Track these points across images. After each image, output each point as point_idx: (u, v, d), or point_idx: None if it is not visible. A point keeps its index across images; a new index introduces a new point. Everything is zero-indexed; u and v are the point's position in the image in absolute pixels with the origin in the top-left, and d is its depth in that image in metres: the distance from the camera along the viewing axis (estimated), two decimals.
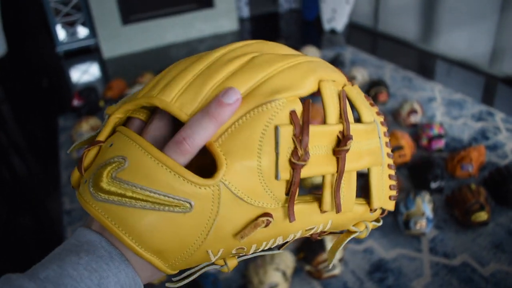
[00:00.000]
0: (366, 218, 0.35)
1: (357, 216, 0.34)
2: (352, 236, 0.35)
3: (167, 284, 0.33)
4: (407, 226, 1.37)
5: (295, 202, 0.30)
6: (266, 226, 0.29)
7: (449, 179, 1.63)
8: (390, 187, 0.35)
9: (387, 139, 0.35)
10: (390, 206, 0.35)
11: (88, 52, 3.48)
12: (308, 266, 1.27)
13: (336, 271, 1.25)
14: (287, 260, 1.27)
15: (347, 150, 0.30)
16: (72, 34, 3.48)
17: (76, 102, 2.33)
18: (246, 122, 0.28)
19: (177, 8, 3.50)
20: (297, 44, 3.13)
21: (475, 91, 2.40)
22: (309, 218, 0.31)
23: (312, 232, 0.33)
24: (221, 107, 0.27)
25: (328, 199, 0.31)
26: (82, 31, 3.52)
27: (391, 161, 0.35)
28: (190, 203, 0.27)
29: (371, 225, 0.36)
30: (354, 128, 0.31)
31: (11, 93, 2.93)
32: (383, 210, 0.35)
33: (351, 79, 2.35)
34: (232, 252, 0.30)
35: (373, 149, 0.32)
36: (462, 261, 1.31)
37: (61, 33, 3.44)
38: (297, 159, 0.28)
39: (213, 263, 0.32)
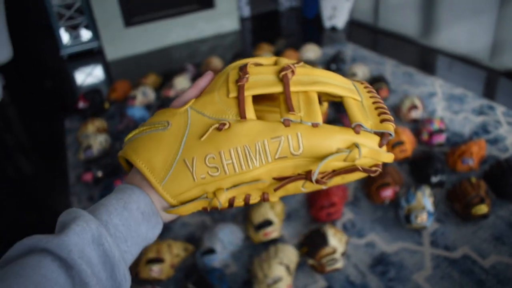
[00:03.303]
0: (360, 141, 0.36)
1: (340, 136, 0.36)
2: (338, 154, 0.36)
3: (165, 210, 0.39)
4: (408, 220, 1.40)
5: (254, 117, 0.38)
6: (219, 129, 0.37)
7: (450, 173, 1.65)
8: (380, 114, 0.37)
9: (373, 94, 0.40)
10: (385, 127, 0.36)
11: (91, 55, 3.52)
12: (311, 260, 1.29)
13: (339, 265, 1.28)
14: (291, 255, 1.30)
15: (287, 73, 0.38)
16: (75, 37, 3.52)
17: (81, 104, 2.36)
18: (213, 81, 0.42)
19: (178, 9, 3.53)
20: (298, 42, 3.16)
21: (476, 85, 2.42)
22: (271, 128, 0.37)
23: (279, 143, 0.36)
24: (198, 79, 0.43)
25: (283, 107, 0.37)
26: (85, 34, 3.56)
27: (379, 100, 0.39)
28: (168, 122, 0.40)
29: (367, 149, 0.36)
30: (299, 67, 0.40)
31: (16, 96, 2.97)
32: (382, 135, 0.37)
33: (352, 75, 2.37)
34: (206, 162, 0.37)
35: (335, 84, 0.39)
36: (462, 253, 1.33)
37: (64, 37, 3.48)
38: (240, 80, 0.39)
39: (206, 198, 0.38)
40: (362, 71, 2.41)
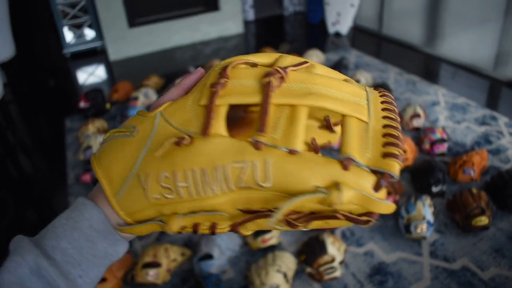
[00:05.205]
0: (346, 180, 0.28)
1: (321, 169, 0.29)
2: (310, 196, 0.28)
3: (116, 226, 0.35)
4: (407, 229, 1.39)
5: (223, 131, 0.31)
6: (177, 144, 0.32)
7: (451, 184, 1.64)
8: (386, 144, 0.29)
9: (388, 106, 0.32)
10: (387, 165, 0.28)
11: (94, 54, 3.52)
12: (309, 268, 1.28)
13: (337, 274, 1.27)
14: (289, 262, 1.29)
15: (272, 79, 0.31)
16: (79, 36, 3.52)
17: (82, 104, 2.36)
18: (200, 81, 0.35)
19: (183, 11, 3.53)
20: (301, 47, 3.15)
21: (479, 95, 2.41)
22: (238, 149, 0.30)
23: (241, 170, 0.30)
24: (184, 78, 0.37)
25: (257, 124, 0.31)
26: (89, 33, 3.56)
27: (393, 124, 0.30)
28: (135, 128, 0.35)
29: (354, 193, 0.28)
30: (293, 71, 0.32)
31: (18, 93, 2.97)
32: (382, 175, 0.28)
33: None
34: (161, 182, 0.32)
35: (338, 97, 0.31)
36: (462, 265, 1.32)
37: (68, 35, 3.48)
38: (214, 85, 0.32)
39: (160, 221, 0.33)
40: (365, 78, 2.41)
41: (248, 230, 0.33)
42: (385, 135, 0.29)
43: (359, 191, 0.28)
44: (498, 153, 1.82)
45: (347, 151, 0.28)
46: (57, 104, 2.76)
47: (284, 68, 0.32)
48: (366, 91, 0.33)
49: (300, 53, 2.88)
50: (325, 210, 0.29)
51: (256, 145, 0.30)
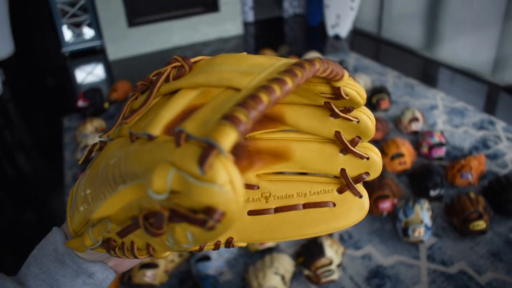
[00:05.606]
0: (172, 159, 0.20)
1: (157, 152, 0.22)
2: (124, 186, 0.25)
3: (65, 243, 0.34)
4: (405, 233, 1.39)
5: (125, 133, 0.30)
6: (91, 150, 0.32)
7: (448, 188, 1.64)
8: (234, 106, 0.20)
9: (298, 65, 0.22)
10: (213, 132, 0.18)
11: (93, 53, 3.51)
12: (307, 271, 1.28)
13: (334, 276, 1.27)
14: (286, 264, 1.29)
15: (164, 72, 0.29)
16: (78, 35, 3.51)
17: (81, 103, 2.35)
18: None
19: (182, 11, 3.53)
20: (301, 50, 3.16)
21: (477, 99, 2.42)
22: (120, 146, 0.29)
23: (115, 167, 0.26)
24: None
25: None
26: (88, 32, 3.55)
27: (273, 83, 0.21)
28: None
29: (176, 175, 0.19)
30: (203, 59, 0.30)
31: (16, 92, 2.96)
32: (210, 147, 0.18)
33: None
34: (81, 192, 0.31)
35: (222, 70, 0.26)
36: (459, 269, 1.32)
37: (67, 34, 3.47)
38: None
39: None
40: (363, 81, 2.41)
41: (159, 253, 0.29)
42: (247, 97, 0.20)
43: (179, 172, 0.20)
44: (495, 158, 1.82)
45: (183, 123, 0.22)
46: (55, 103, 2.75)
47: (186, 57, 0.28)
48: (278, 60, 0.26)
49: (299, 55, 2.89)
50: (152, 205, 0.23)
51: (131, 137, 0.27)
